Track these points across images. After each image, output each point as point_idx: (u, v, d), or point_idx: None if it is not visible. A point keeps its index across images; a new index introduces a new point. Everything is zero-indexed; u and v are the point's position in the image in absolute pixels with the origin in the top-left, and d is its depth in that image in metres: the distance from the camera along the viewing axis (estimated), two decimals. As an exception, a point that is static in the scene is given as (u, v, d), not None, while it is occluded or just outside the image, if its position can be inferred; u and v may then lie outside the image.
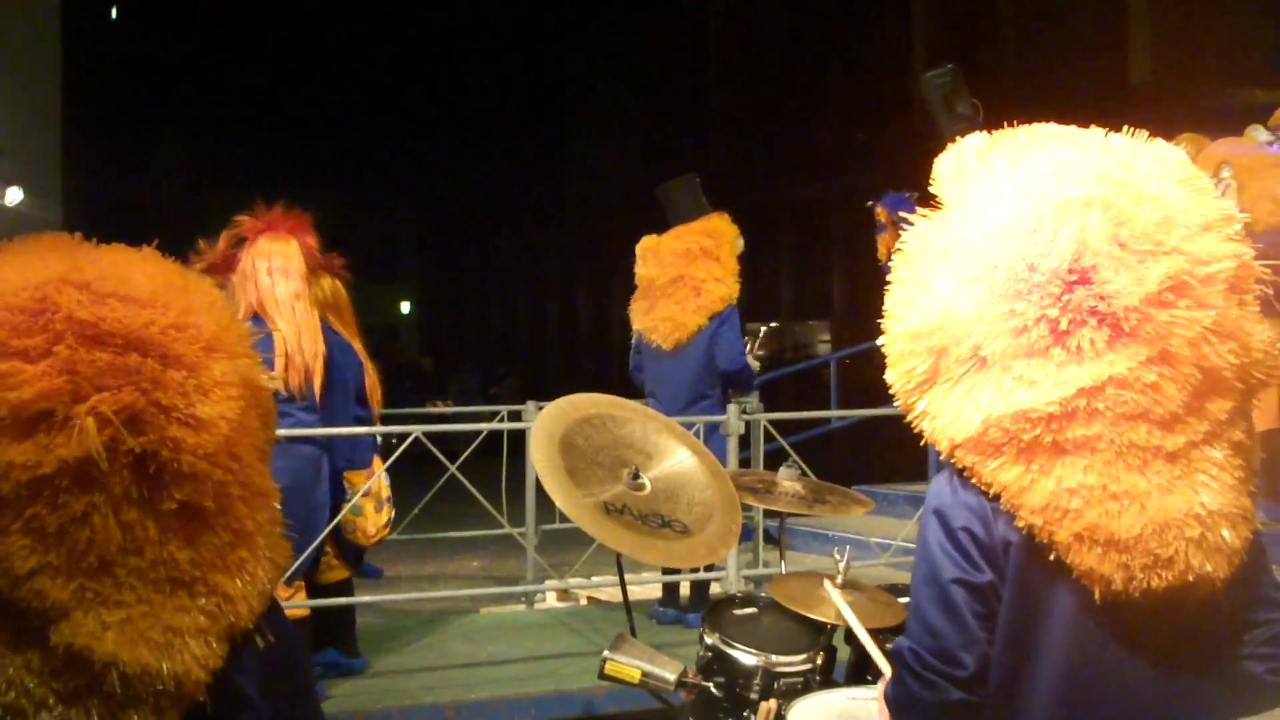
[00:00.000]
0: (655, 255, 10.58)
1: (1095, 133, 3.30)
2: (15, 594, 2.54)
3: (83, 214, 20.70)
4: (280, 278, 8.12)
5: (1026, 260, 3.04)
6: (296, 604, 8.26)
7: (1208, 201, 3.18)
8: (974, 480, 3.15)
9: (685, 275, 10.30)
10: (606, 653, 5.00)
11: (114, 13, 30.83)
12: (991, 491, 3.12)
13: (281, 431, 7.89)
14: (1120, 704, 3.15)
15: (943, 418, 3.14)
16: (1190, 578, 3.00)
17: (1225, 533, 3.04)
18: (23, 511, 2.54)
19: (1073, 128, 3.36)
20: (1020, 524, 3.08)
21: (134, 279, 2.82)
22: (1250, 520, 3.15)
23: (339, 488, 8.57)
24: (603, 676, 5.00)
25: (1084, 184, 3.09)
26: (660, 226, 10.69)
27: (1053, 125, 3.37)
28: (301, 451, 8.14)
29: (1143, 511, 2.98)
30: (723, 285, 10.29)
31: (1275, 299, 10.14)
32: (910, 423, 3.29)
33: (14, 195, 19.74)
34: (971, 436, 3.09)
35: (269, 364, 7.42)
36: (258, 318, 7.98)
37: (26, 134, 21.11)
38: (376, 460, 8.95)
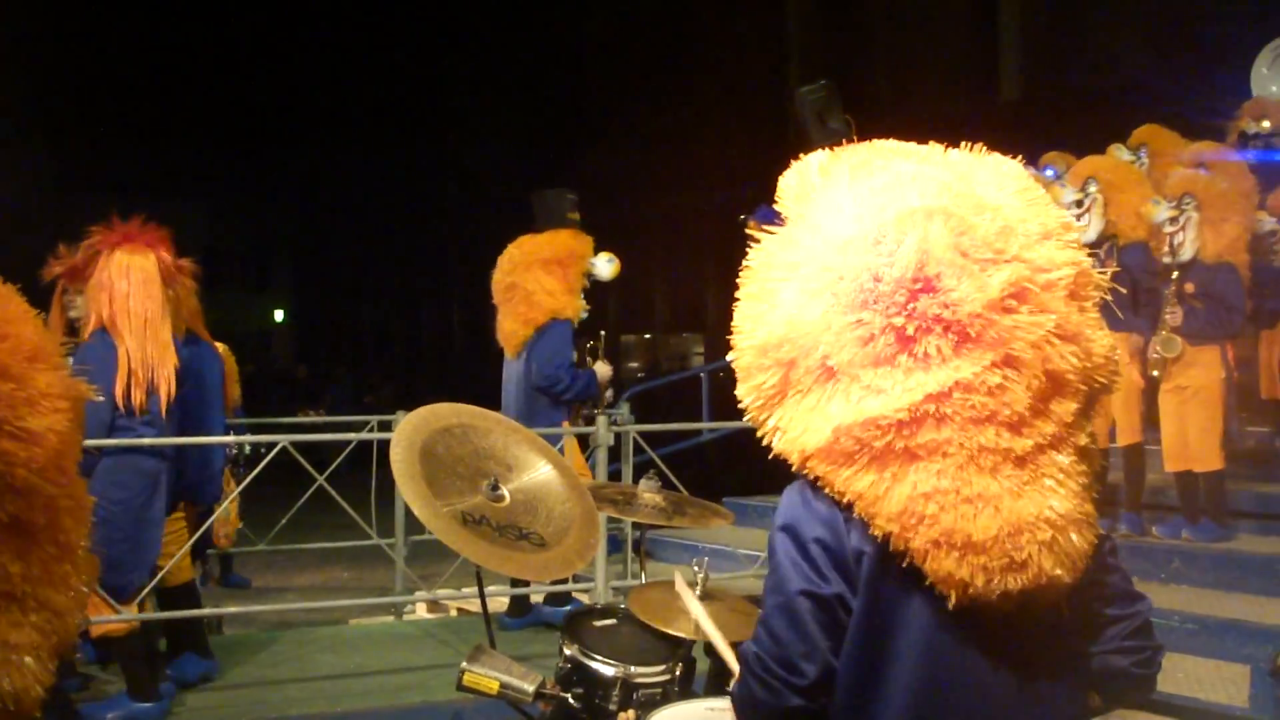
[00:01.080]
0: (500, 264, 10.90)
1: (934, 147, 3.35)
2: None
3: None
4: (137, 292, 8.00)
5: (871, 270, 3.06)
6: (159, 615, 8.27)
7: (1046, 211, 3.23)
8: (828, 490, 3.14)
9: (518, 283, 10.62)
10: (464, 664, 5.01)
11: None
12: (845, 500, 3.11)
13: (146, 441, 7.94)
14: (975, 708, 3.17)
15: (794, 430, 3.14)
16: (1042, 581, 3.03)
17: (1074, 537, 3.07)
18: None
19: (912, 143, 3.41)
20: (876, 532, 3.07)
21: None
22: (1094, 526, 3.19)
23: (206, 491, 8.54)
24: (461, 688, 5.00)
25: (925, 195, 3.13)
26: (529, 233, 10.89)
27: (893, 141, 3.41)
28: (142, 466, 8.03)
29: (997, 514, 3.01)
30: (553, 298, 10.51)
31: (1125, 308, 10.38)
32: (762, 438, 3.26)
33: None
34: (823, 446, 3.09)
35: (106, 378, 7.55)
36: (104, 331, 7.89)
37: None
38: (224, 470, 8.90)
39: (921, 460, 3.04)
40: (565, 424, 10.33)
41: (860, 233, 3.10)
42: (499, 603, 10.87)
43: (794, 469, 3.18)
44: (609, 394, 11.20)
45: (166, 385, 8.08)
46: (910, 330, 3.03)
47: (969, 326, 3.02)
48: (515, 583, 10.01)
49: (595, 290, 10.92)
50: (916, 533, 3.02)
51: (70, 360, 7.56)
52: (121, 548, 7.73)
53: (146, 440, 7.98)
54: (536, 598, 10.43)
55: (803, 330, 3.09)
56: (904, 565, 3.09)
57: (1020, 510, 3.02)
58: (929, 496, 3.01)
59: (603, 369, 10.77)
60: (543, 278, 10.51)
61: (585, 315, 10.73)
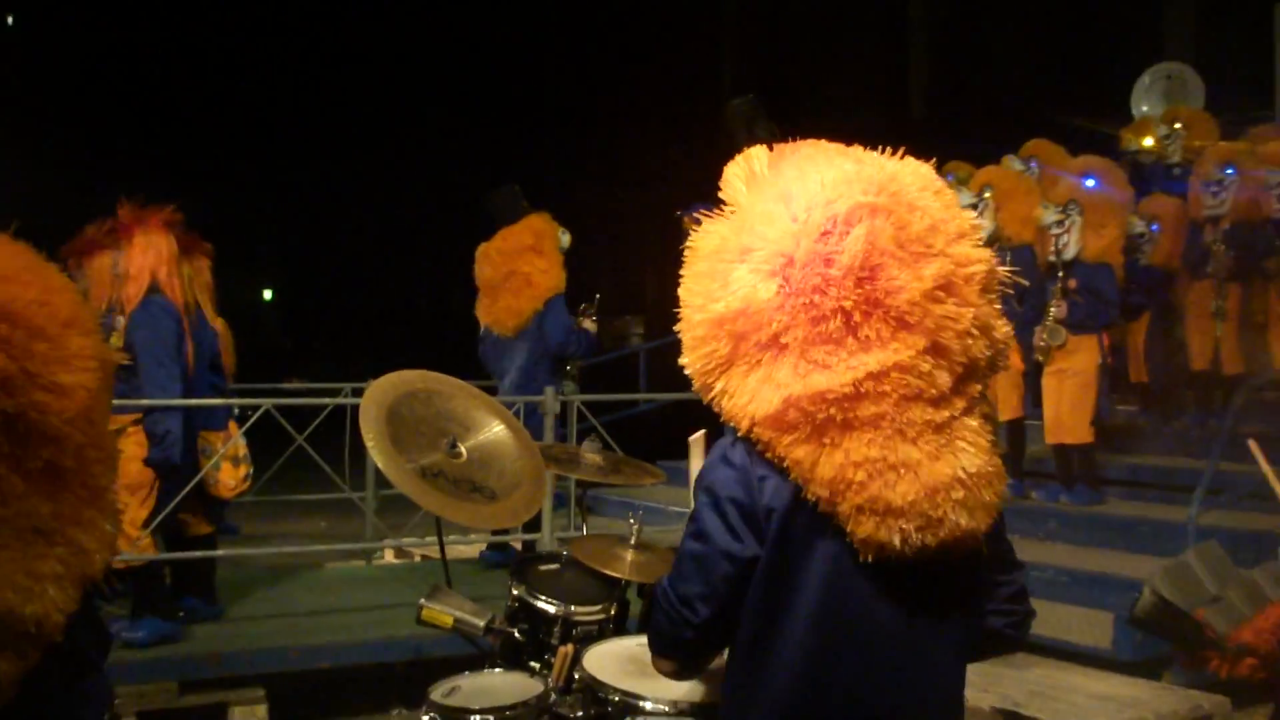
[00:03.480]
0: (488, 258, 11.02)
1: (861, 150, 3.32)
2: None
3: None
4: (163, 267, 8.24)
5: (823, 257, 3.04)
6: (170, 556, 8.46)
7: (960, 213, 3.24)
8: (768, 454, 3.14)
9: (516, 270, 10.78)
10: (423, 600, 5.03)
11: (10, 20, 30.34)
12: (785, 465, 3.11)
13: (160, 402, 8.05)
14: (868, 638, 3.19)
15: (742, 396, 3.12)
16: (958, 534, 3.05)
17: (985, 492, 3.10)
18: None
19: (849, 146, 3.37)
20: (810, 496, 3.08)
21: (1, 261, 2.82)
22: (1003, 477, 3.21)
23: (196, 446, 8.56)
24: (419, 622, 5.02)
25: (869, 192, 3.10)
26: (489, 232, 11.06)
27: (827, 142, 3.38)
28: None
29: (916, 479, 3.02)
30: (549, 276, 10.80)
31: (1015, 302, 10.46)
32: (708, 402, 3.26)
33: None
34: (771, 414, 3.06)
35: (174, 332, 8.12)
36: (157, 290, 8.17)
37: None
38: (233, 425, 8.98)
39: (856, 431, 3.04)
40: (549, 392, 10.39)
41: (811, 222, 3.08)
42: (458, 549, 11.03)
43: (740, 433, 3.19)
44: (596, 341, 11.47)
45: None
46: (857, 315, 3.03)
47: (907, 314, 3.03)
48: (496, 531, 10.13)
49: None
50: (844, 498, 3.04)
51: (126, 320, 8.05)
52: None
53: (158, 401, 8.09)
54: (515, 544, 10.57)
55: (757, 307, 3.07)
56: (806, 522, 3.15)
57: (938, 472, 3.04)
58: (859, 465, 3.02)
59: (590, 324, 11.03)
60: (535, 260, 10.77)
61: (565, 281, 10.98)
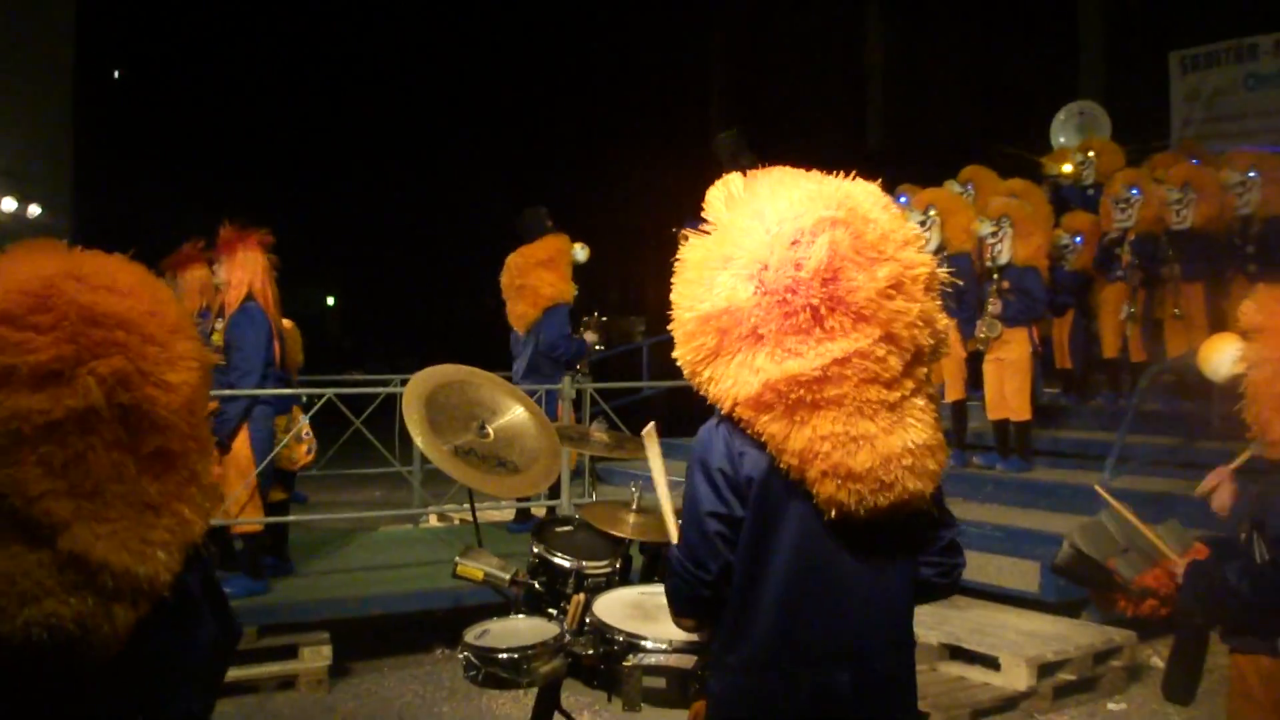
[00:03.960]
0: (508, 269, 11.15)
1: (820, 175, 3.38)
2: (30, 510, 2.66)
3: (87, 226, 20.43)
4: (260, 278, 8.48)
5: (793, 262, 3.10)
6: (252, 520, 8.46)
7: (904, 224, 3.31)
8: (748, 430, 3.20)
9: (527, 283, 10.93)
10: (457, 558, 5.03)
11: (116, 74, 30.33)
12: (762, 439, 3.17)
13: (243, 391, 8.30)
14: (833, 583, 3.26)
15: (726, 381, 3.17)
16: (906, 496, 3.13)
17: (929, 461, 3.18)
18: (37, 448, 2.67)
19: (805, 171, 3.42)
20: (781, 464, 3.16)
21: (119, 277, 2.93)
22: (945, 448, 3.31)
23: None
24: (455, 576, 5.02)
25: (830, 208, 3.18)
26: (517, 246, 11.13)
27: (792, 168, 3.42)
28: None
29: (873, 450, 3.10)
30: (554, 289, 10.89)
31: (951, 300, 10.43)
32: (697, 388, 3.32)
33: (33, 210, 19.81)
34: (751, 396, 3.13)
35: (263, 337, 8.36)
36: (252, 299, 8.40)
37: (44, 165, 20.99)
38: (296, 410, 9.02)
39: (823, 410, 3.11)
40: (566, 380, 10.55)
41: (782, 234, 3.15)
42: (490, 514, 11.04)
43: (723, 413, 3.24)
44: (598, 347, 11.45)
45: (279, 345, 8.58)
46: (823, 310, 3.10)
47: (864, 309, 3.11)
48: (520, 500, 10.18)
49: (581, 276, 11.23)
50: (812, 465, 3.11)
51: (226, 322, 8.30)
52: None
53: (261, 391, 8.39)
54: (538, 510, 10.51)
55: (738, 305, 3.14)
56: (781, 487, 3.22)
57: (891, 444, 3.11)
58: (825, 438, 3.09)
59: (590, 336, 11.01)
60: (543, 274, 10.85)
61: (576, 293, 11.06)
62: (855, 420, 3.11)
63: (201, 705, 3.11)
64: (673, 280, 3.36)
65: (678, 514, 3.79)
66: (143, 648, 2.82)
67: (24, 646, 2.64)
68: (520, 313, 10.97)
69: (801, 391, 3.10)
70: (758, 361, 3.14)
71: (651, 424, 4.08)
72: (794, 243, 3.14)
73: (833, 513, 3.15)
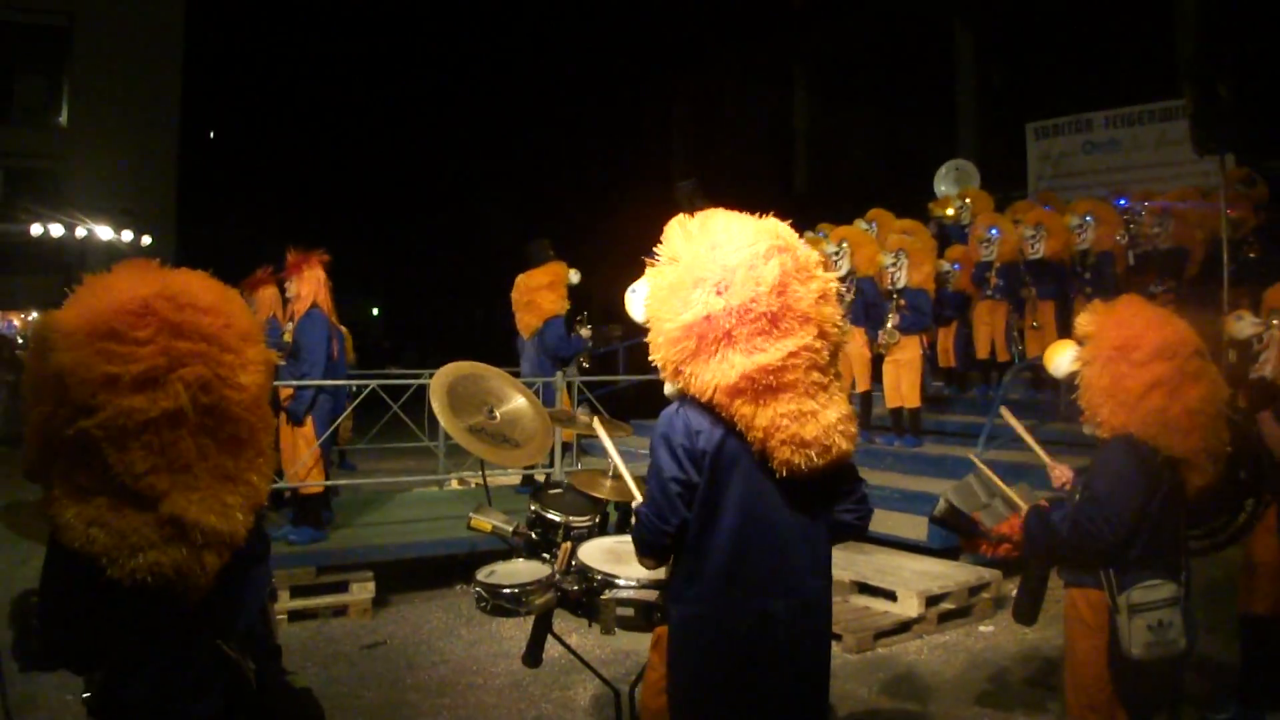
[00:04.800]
0: (517, 287, 11.17)
1: (756, 215, 3.43)
2: (136, 485, 2.73)
3: (186, 250, 20.44)
4: (322, 290, 8.55)
5: (754, 280, 3.18)
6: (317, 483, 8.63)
7: (812, 252, 3.40)
8: (722, 413, 3.25)
9: (533, 300, 10.95)
10: (471, 514, 5.04)
11: (211, 134, 30.32)
12: (734, 419, 3.22)
13: (312, 382, 8.40)
14: (772, 526, 3.31)
15: (707, 374, 3.21)
16: (838, 454, 3.24)
17: (850, 427, 3.30)
18: (140, 437, 2.74)
19: (747, 211, 3.47)
20: (749, 438, 3.22)
21: (201, 295, 2.95)
22: (855, 419, 3.40)
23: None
24: (469, 528, 5.03)
25: (775, 238, 3.30)
26: (524, 269, 11.18)
27: (732, 211, 3.47)
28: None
29: (817, 422, 3.20)
30: (553, 304, 10.91)
31: (860, 315, 10.51)
32: (678, 383, 3.34)
33: (145, 239, 19.79)
34: (729, 385, 3.18)
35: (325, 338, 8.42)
36: (317, 308, 8.48)
37: (155, 205, 21.06)
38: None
39: (781, 392, 3.19)
40: (558, 376, 10.62)
41: (742, 259, 3.22)
42: (499, 479, 11.03)
43: (703, 400, 3.26)
44: (590, 342, 11.44)
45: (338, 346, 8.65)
46: (779, 316, 3.19)
47: (807, 313, 3.23)
48: (524, 469, 10.09)
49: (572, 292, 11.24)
50: (774, 437, 3.18)
51: (295, 325, 8.39)
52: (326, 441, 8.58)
53: (324, 381, 8.47)
54: (540, 476, 10.43)
55: (713, 314, 3.20)
56: (730, 456, 3.27)
57: (828, 416, 3.22)
58: (784, 415, 3.18)
59: (585, 332, 11.01)
60: (546, 293, 10.88)
61: (569, 306, 11.05)
62: (804, 399, 3.20)
63: (260, 627, 3.18)
64: (648, 301, 3.37)
65: (637, 479, 3.82)
66: (222, 587, 2.88)
67: (134, 586, 2.71)
68: (527, 322, 10.97)
69: (769, 379, 3.16)
70: (733, 358, 3.18)
71: (596, 419, 4.14)
72: (752, 265, 3.20)
73: (785, 472, 3.20)
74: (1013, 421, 5.57)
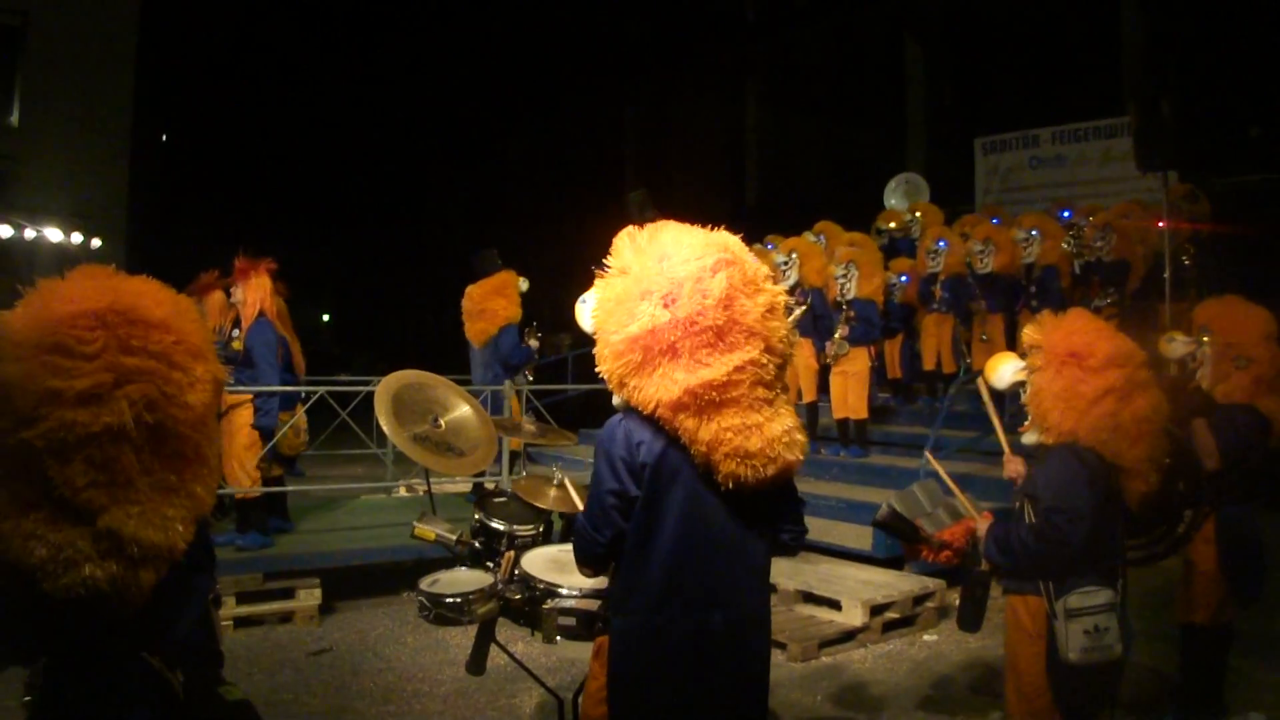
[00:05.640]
0: (470, 296, 11.15)
1: (706, 227, 3.43)
2: (76, 499, 2.70)
3: (137, 254, 20.23)
4: (269, 298, 8.48)
5: (700, 293, 3.16)
6: (258, 490, 8.52)
7: (761, 265, 3.38)
8: (666, 427, 3.23)
9: (486, 307, 10.92)
10: (414, 522, 4.99)
11: (163, 138, 30.05)
12: (677, 433, 3.21)
13: (261, 389, 8.30)
14: (712, 539, 3.30)
15: (651, 388, 3.19)
16: (784, 466, 3.23)
17: (798, 436, 3.28)
18: (82, 451, 2.71)
19: (698, 223, 3.47)
20: (693, 451, 3.20)
21: (153, 310, 2.91)
22: (803, 430, 3.37)
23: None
24: (413, 536, 4.98)
25: (722, 252, 3.26)
26: (474, 279, 11.16)
27: (680, 222, 3.45)
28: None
29: (762, 435, 3.18)
30: (506, 312, 10.86)
31: (809, 326, 10.59)
32: (622, 395, 3.33)
33: (95, 243, 19.61)
34: (673, 399, 3.16)
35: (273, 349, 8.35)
36: (264, 316, 8.42)
37: (106, 208, 20.84)
38: (299, 406, 9.00)
39: (725, 407, 3.17)
40: (507, 384, 10.49)
41: (689, 273, 3.19)
42: (447, 487, 11.02)
43: (646, 413, 3.25)
44: (537, 354, 11.36)
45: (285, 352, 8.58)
46: (725, 330, 3.18)
47: (754, 327, 3.20)
48: (477, 477, 10.00)
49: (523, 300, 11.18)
50: (717, 450, 3.17)
51: (245, 333, 8.31)
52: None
53: (276, 388, 8.36)
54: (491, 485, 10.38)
55: (660, 327, 3.17)
56: (671, 469, 3.26)
57: (773, 429, 3.20)
58: (728, 429, 3.16)
59: (533, 343, 10.92)
60: (498, 301, 10.86)
61: (522, 314, 10.97)
62: (749, 413, 3.18)
63: (201, 635, 3.11)
64: (595, 312, 3.36)
65: (581, 489, 3.81)
66: (159, 598, 2.84)
67: (68, 601, 2.69)
68: (481, 329, 10.93)
69: (713, 394, 3.14)
70: (677, 373, 3.16)
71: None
72: (699, 278, 3.18)
73: (730, 484, 3.19)
74: (938, 465, 5.61)
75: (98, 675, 2.84)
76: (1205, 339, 5.99)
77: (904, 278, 12.79)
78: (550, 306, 14.62)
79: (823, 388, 11.47)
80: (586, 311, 3.56)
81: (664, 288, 3.20)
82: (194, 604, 3.05)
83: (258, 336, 8.35)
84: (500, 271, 11.04)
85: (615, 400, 3.42)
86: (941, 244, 12.60)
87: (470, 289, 11.13)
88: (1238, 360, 5.84)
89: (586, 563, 3.46)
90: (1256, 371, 5.84)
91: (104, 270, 3.00)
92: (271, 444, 8.41)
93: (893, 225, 14.96)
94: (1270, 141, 15.62)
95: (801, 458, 3.30)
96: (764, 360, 3.21)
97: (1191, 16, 16.14)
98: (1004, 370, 4.79)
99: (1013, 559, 4.40)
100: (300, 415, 8.92)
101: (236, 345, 8.43)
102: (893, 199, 16.68)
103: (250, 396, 8.32)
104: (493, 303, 10.88)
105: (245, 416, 8.34)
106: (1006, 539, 4.42)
